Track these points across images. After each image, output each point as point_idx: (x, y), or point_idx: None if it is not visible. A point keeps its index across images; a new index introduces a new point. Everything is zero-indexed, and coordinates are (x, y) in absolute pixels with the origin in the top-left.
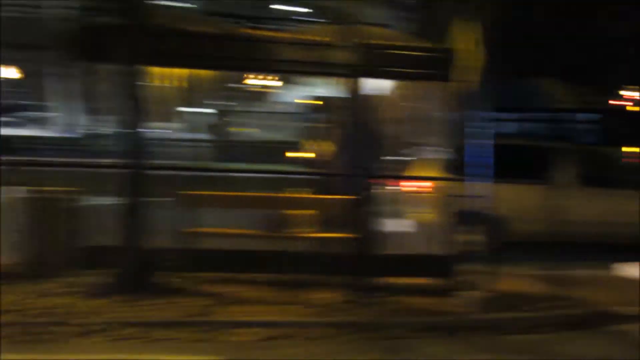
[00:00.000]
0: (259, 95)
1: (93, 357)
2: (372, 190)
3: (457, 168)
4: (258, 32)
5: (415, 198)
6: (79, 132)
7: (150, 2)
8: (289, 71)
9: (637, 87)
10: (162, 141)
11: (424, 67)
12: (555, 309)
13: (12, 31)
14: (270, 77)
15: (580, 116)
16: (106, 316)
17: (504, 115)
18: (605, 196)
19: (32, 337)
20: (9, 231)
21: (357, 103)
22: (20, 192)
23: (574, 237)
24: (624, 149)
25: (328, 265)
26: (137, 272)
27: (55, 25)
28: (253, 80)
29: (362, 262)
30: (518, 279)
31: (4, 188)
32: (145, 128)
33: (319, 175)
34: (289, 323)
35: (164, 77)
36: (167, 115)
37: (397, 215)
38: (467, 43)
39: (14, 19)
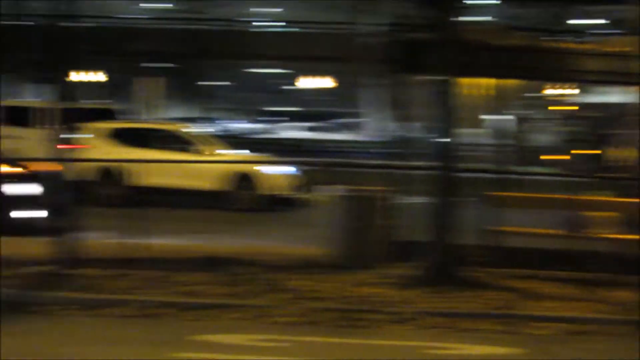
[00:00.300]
0: (555, 103)
1: (404, 343)
2: None
3: None
4: (560, 45)
5: None
6: (387, 136)
7: (459, 19)
8: (591, 81)
9: None
10: (467, 146)
11: None
12: None
13: (329, 45)
14: (567, 86)
15: None
16: (415, 306)
17: None
18: None
19: (349, 323)
20: (327, 225)
21: None
22: (338, 190)
23: None
24: None
25: (627, 265)
26: (444, 266)
27: (369, 40)
28: (550, 90)
29: None
30: None
31: (323, 187)
32: (454, 134)
33: (620, 179)
34: (588, 319)
35: (470, 86)
36: (472, 122)
37: None
38: None
39: (330, 35)
